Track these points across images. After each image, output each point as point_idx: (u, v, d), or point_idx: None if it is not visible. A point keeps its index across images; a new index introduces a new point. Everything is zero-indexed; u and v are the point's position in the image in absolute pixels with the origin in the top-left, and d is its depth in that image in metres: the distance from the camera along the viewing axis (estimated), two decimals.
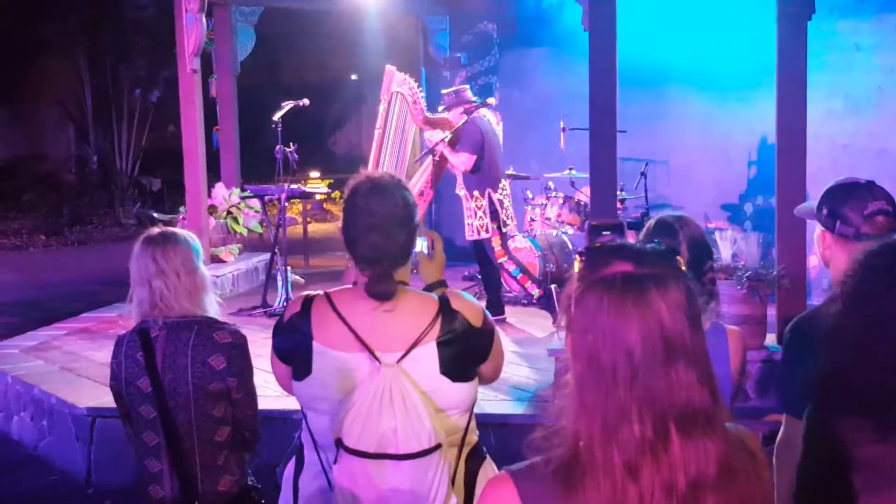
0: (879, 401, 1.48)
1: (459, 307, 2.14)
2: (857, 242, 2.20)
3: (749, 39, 7.79)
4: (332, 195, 13.74)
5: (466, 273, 8.46)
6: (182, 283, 2.72)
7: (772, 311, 5.14)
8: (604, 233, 1.83)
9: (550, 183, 8.11)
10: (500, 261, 6.86)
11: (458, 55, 10.35)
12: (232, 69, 9.36)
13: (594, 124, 5.46)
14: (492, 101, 7.41)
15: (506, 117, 7.90)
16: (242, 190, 8.91)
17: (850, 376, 1.53)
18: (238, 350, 2.73)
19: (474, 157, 6.71)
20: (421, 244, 2.33)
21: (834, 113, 7.61)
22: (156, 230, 2.83)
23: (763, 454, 1.39)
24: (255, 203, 8.72)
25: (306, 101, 7.72)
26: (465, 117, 6.77)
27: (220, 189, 9.03)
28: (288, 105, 7.68)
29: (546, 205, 7.98)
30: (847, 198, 2.26)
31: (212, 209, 8.79)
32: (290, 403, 2.66)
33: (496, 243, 6.82)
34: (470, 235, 6.90)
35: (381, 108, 7.51)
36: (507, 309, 7.10)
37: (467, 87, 7.30)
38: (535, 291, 7.07)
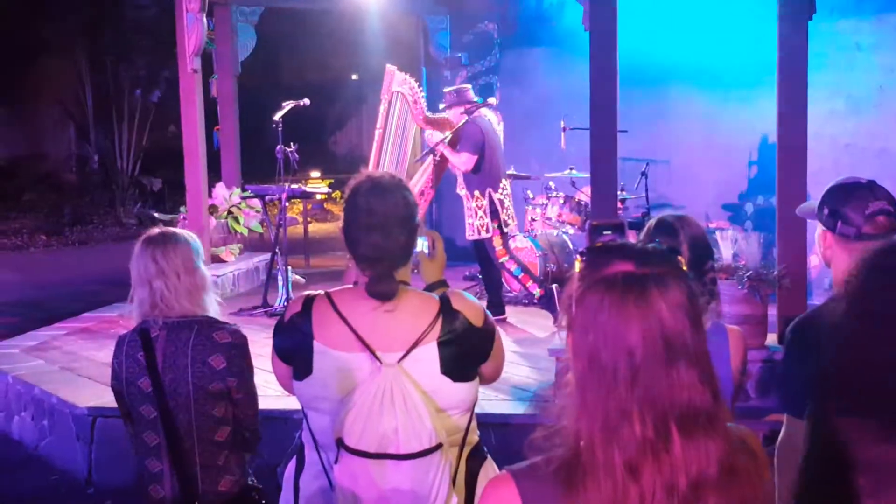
0: (883, 401, 1.48)
1: (460, 307, 2.14)
2: (859, 242, 2.19)
3: (750, 39, 7.78)
4: (333, 195, 13.76)
5: (467, 273, 8.45)
6: (182, 283, 2.72)
7: (772, 311, 5.14)
8: (605, 232, 1.83)
9: (551, 183, 8.11)
10: (501, 260, 6.86)
11: (459, 55, 10.35)
12: (232, 69, 9.36)
13: (595, 124, 5.46)
14: (492, 100, 7.41)
15: (506, 117, 7.89)
16: (243, 190, 8.92)
17: (853, 376, 1.53)
18: (238, 350, 2.73)
19: (475, 157, 6.71)
20: (422, 244, 2.33)
21: (835, 112, 7.60)
22: (156, 230, 2.83)
23: (764, 454, 1.39)
24: (256, 203, 8.72)
25: (307, 101, 7.71)
26: (466, 117, 6.77)
27: (220, 189, 9.03)
28: (288, 105, 7.68)
29: (547, 204, 7.99)
30: (848, 198, 2.26)
31: (212, 209, 8.79)
32: (291, 403, 2.66)
33: (497, 243, 6.82)
34: (471, 235, 6.90)
35: (382, 107, 7.50)
36: (508, 309, 7.10)
37: (469, 86, 7.29)
38: (537, 291, 7.06)
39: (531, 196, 8.29)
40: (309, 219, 12.73)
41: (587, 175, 6.21)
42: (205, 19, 7.97)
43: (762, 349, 4.93)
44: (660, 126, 8.80)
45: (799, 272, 5.14)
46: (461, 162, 6.77)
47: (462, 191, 6.99)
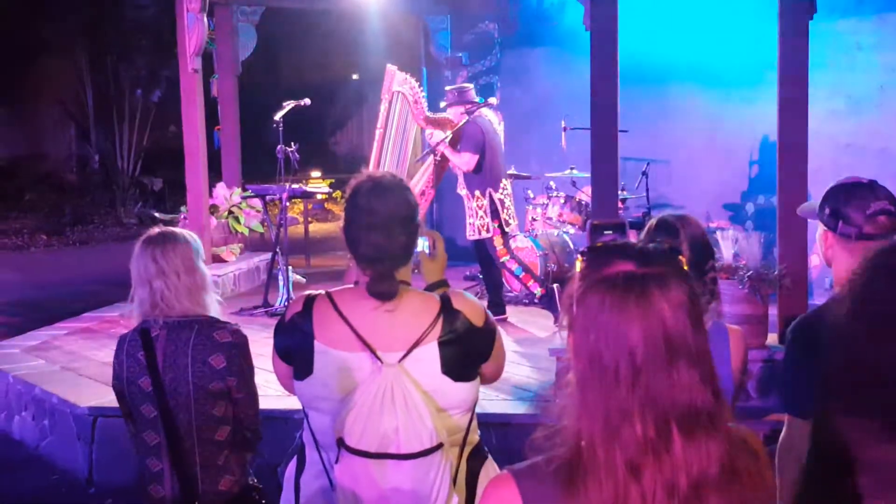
0: (886, 400, 1.48)
1: (461, 307, 2.14)
2: (860, 242, 2.19)
3: (750, 38, 7.78)
4: (334, 195, 13.78)
5: (468, 273, 8.46)
6: (182, 283, 2.72)
7: (773, 311, 5.14)
8: (606, 232, 1.83)
9: (552, 182, 8.11)
10: (502, 259, 6.86)
11: (460, 55, 10.35)
12: (233, 69, 9.35)
13: (595, 124, 5.46)
14: (493, 100, 7.42)
15: (507, 117, 7.89)
16: (244, 189, 8.91)
17: (856, 376, 1.52)
18: (238, 349, 2.73)
19: (476, 156, 6.71)
20: (422, 244, 2.33)
21: (835, 112, 7.59)
22: (155, 230, 2.83)
23: (765, 454, 1.38)
24: (257, 203, 8.72)
25: (307, 101, 7.71)
26: (467, 117, 6.78)
27: (221, 189, 9.03)
28: (289, 105, 7.68)
29: (547, 204, 7.99)
30: (849, 197, 2.25)
31: (213, 209, 8.79)
32: (292, 403, 2.66)
33: (498, 242, 6.82)
34: (471, 235, 6.90)
35: (383, 107, 7.51)
36: (509, 308, 7.10)
37: (471, 86, 7.30)
38: (538, 290, 7.07)
39: (532, 196, 8.29)
40: (310, 218, 12.74)
41: (588, 175, 6.21)
42: (205, 19, 7.97)
43: (763, 349, 4.93)
44: (660, 126, 8.79)
45: (799, 272, 5.14)
46: (462, 162, 6.77)
47: (462, 190, 6.99)
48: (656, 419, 1.25)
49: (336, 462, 2.05)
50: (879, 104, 7.59)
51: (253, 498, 2.85)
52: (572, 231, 7.92)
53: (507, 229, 6.86)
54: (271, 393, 3.96)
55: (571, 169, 8.02)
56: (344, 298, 2.16)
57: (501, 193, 6.83)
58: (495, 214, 6.77)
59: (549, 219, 7.96)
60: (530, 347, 6.05)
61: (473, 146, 6.71)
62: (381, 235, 2.12)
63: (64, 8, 17.56)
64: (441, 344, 2.10)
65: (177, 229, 2.87)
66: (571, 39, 8.18)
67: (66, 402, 5.26)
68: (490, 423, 4.28)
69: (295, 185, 7.78)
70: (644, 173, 7.98)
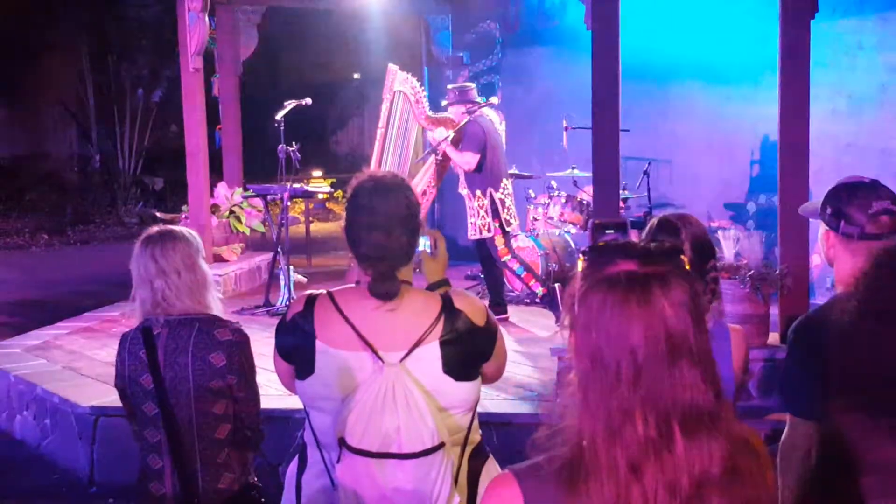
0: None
1: (462, 306, 2.14)
2: (862, 242, 2.19)
3: (752, 38, 7.77)
4: (335, 194, 13.78)
5: (469, 272, 8.45)
6: (183, 281, 2.72)
7: (774, 310, 5.14)
8: (607, 231, 1.82)
9: (553, 182, 8.10)
10: (504, 259, 6.86)
11: (461, 54, 10.35)
12: (234, 68, 9.35)
13: (597, 123, 5.45)
14: (494, 100, 7.42)
15: (508, 116, 7.89)
16: (245, 189, 8.91)
17: (864, 374, 1.52)
18: (239, 348, 2.73)
19: (477, 156, 6.71)
20: (424, 243, 2.33)
21: (837, 112, 7.59)
22: (154, 229, 2.83)
23: (767, 454, 1.38)
24: (258, 202, 8.72)
25: (309, 101, 7.71)
26: (468, 116, 6.78)
27: (222, 188, 9.03)
28: (290, 104, 7.68)
29: (549, 204, 7.98)
30: (851, 197, 2.25)
31: (214, 208, 8.79)
32: (293, 402, 2.66)
33: (499, 242, 6.82)
34: (473, 234, 6.90)
35: (384, 107, 7.51)
36: (510, 308, 7.10)
37: (473, 85, 7.30)
38: (539, 290, 7.06)
39: (533, 195, 8.28)
40: (311, 218, 12.74)
41: (589, 174, 6.20)
42: (207, 18, 7.97)
43: (764, 348, 4.93)
44: (662, 125, 8.79)
45: (801, 271, 5.14)
46: (463, 161, 6.78)
47: (464, 190, 6.99)
48: (658, 419, 1.25)
49: (337, 462, 2.05)
50: (881, 104, 7.58)
51: (252, 496, 2.85)
52: (574, 230, 7.92)
53: (507, 229, 6.86)
54: (272, 392, 3.96)
55: (573, 168, 8.01)
56: (345, 298, 2.16)
57: (502, 193, 6.83)
58: (496, 214, 6.77)
59: (551, 218, 7.96)
60: (532, 347, 6.05)
61: (475, 145, 6.71)
62: (382, 235, 2.12)
63: (65, 7, 17.57)
64: (442, 343, 2.10)
65: (176, 227, 2.86)
66: (573, 39, 8.17)
67: (67, 402, 5.26)
68: (491, 423, 4.28)
69: (296, 185, 7.79)
70: (645, 173, 7.98)
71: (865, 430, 1.50)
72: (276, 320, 2.36)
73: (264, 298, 7.49)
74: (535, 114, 9.59)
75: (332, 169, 18.84)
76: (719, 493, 1.27)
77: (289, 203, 7.61)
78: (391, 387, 2.02)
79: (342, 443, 2.02)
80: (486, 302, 6.40)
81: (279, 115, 7.61)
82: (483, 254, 7.00)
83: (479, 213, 6.81)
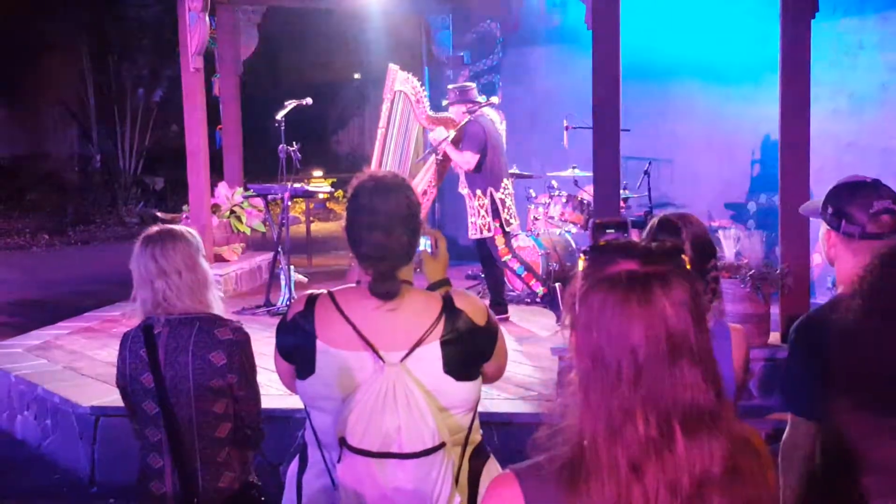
0: None
1: (463, 306, 2.14)
2: (863, 241, 2.19)
3: (753, 37, 7.77)
4: (335, 194, 13.78)
5: (470, 272, 8.45)
6: (184, 280, 2.72)
7: (775, 310, 5.14)
8: (608, 231, 1.82)
9: (554, 182, 8.10)
10: (504, 259, 6.86)
11: (461, 54, 10.35)
12: (235, 68, 9.35)
13: (597, 123, 5.45)
14: (495, 99, 7.42)
15: (509, 116, 7.89)
16: (245, 189, 8.92)
17: (869, 373, 1.52)
18: (239, 347, 2.73)
19: (478, 156, 6.71)
20: (424, 243, 2.33)
21: (838, 111, 7.58)
22: (154, 228, 2.82)
23: (768, 453, 1.38)
24: (258, 202, 8.72)
25: (309, 101, 7.71)
26: (469, 116, 6.78)
27: (223, 188, 9.03)
28: (291, 104, 7.68)
29: (549, 203, 7.98)
30: (852, 197, 2.25)
31: (215, 208, 8.79)
32: (294, 402, 2.66)
33: (500, 242, 6.82)
34: (473, 234, 6.90)
35: (384, 107, 7.51)
36: (511, 308, 7.10)
37: (473, 85, 7.30)
38: (540, 289, 7.06)
39: (534, 195, 8.28)
40: (311, 218, 12.73)
41: (590, 174, 6.20)
42: (207, 18, 7.97)
43: (765, 348, 4.92)
44: (662, 125, 8.78)
45: (801, 271, 5.14)
46: (464, 161, 6.78)
47: (464, 190, 6.99)
48: (659, 418, 1.25)
49: (338, 461, 2.05)
50: (882, 103, 7.58)
51: (252, 495, 2.85)
52: (574, 230, 7.91)
53: (507, 229, 6.86)
54: (273, 392, 3.96)
55: (573, 168, 8.01)
56: (346, 298, 2.16)
57: (503, 193, 6.83)
58: (496, 214, 6.77)
59: (551, 218, 7.96)
60: (532, 346, 6.05)
61: (475, 145, 6.71)
62: (382, 235, 2.12)
63: (65, 7, 17.57)
64: (443, 343, 2.10)
65: (176, 226, 2.86)
66: (573, 38, 8.17)
67: (68, 402, 5.26)
68: (492, 423, 4.28)
69: (297, 185, 7.79)
70: (646, 172, 7.97)
71: (868, 429, 1.50)
72: (276, 320, 2.36)
73: (265, 298, 7.49)
74: (535, 113, 9.58)
75: (333, 169, 18.84)
76: (720, 492, 1.27)
77: (289, 203, 7.61)
78: (392, 386, 2.02)
79: (343, 442, 2.02)
80: (487, 302, 6.40)
81: (280, 115, 7.61)
82: (483, 253, 6.99)
83: (479, 212, 6.81)
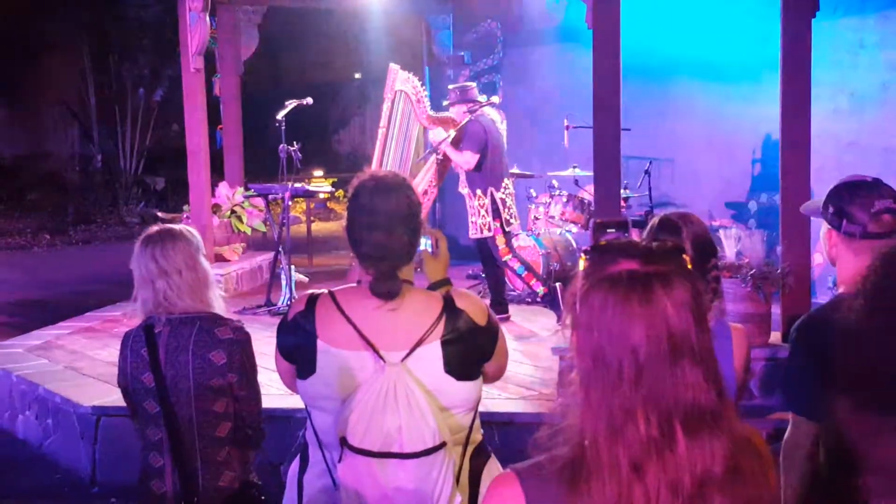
0: None
1: (464, 306, 2.14)
2: (864, 241, 2.19)
3: (753, 36, 7.77)
4: (336, 194, 13.77)
5: (470, 272, 8.45)
6: (185, 280, 2.72)
7: (776, 309, 5.13)
8: (609, 231, 1.82)
9: (554, 181, 8.10)
10: (504, 258, 6.86)
11: (462, 53, 10.35)
12: (235, 68, 9.35)
13: (598, 122, 5.45)
14: (495, 99, 7.41)
15: (509, 115, 7.89)
16: (246, 189, 8.92)
17: (872, 372, 1.52)
18: (240, 346, 2.73)
19: (478, 155, 6.71)
20: (425, 243, 2.33)
21: (838, 110, 7.58)
22: (154, 228, 2.82)
23: (769, 453, 1.38)
24: (259, 202, 8.72)
25: (310, 100, 7.71)
26: (469, 116, 6.77)
27: (223, 188, 9.03)
28: (291, 104, 7.68)
29: (550, 203, 7.98)
30: (854, 196, 2.25)
31: (215, 208, 8.79)
32: (294, 402, 2.66)
33: (500, 241, 6.82)
34: (474, 234, 6.90)
35: (385, 106, 7.51)
36: (511, 307, 7.09)
37: (473, 84, 7.29)
38: (540, 289, 7.06)
39: (534, 194, 8.28)
40: (312, 218, 12.74)
41: (590, 173, 6.20)
42: (208, 18, 7.97)
43: (766, 347, 4.92)
44: (663, 124, 8.78)
45: (802, 270, 5.14)
46: (464, 161, 6.77)
47: (464, 189, 6.99)
48: (660, 418, 1.25)
49: (339, 461, 2.05)
50: (883, 102, 7.58)
51: (252, 494, 2.84)
52: (575, 230, 7.91)
53: (507, 228, 6.86)
54: (274, 392, 3.96)
55: (574, 167, 8.01)
56: (347, 297, 2.16)
57: (503, 193, 6.83)
58: (497, 213, 6.77)
59: (552, 217, 7.96)
60: (533, 346, 6.05)
61: (475, 145, 6.70)
62: (383, 234, 2.12)
63: (65, 7, 17.58)
64: (444, 343, 2.10)
65: (176, 226, 2.85)
66: (574, 38, 8.17)
67: (69, 402, 5.26)
68: (493, 422, 4.28)
69: (297, 185, 7.79)
70: (647, 172, 7.97)
71: (871, 429, 1.49)
72: (277, 320, 2.36)
73: (266, 298, 7.49)
74: (536, 113, 9.58)
75: (334, 168, 18.84)
76: (721, 492, 1.27)
77: (290, 202, 7.61)
78: (392, 386, 2.02)
79: (343, 442, 2.02)
80: (488, 301, 6.40)
81: (280, 115, 7.62)
82: (484, 253, 6.99)
83: (479, 212, 6.81)
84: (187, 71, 8.04)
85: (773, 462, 1.40)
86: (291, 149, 7.63)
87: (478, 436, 2.23)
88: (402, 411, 2.00)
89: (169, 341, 2.71)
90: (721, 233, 5.07)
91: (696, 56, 8.44)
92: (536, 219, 8.18)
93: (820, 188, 2.51)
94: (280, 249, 7.44)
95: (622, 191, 6.32)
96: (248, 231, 9.04)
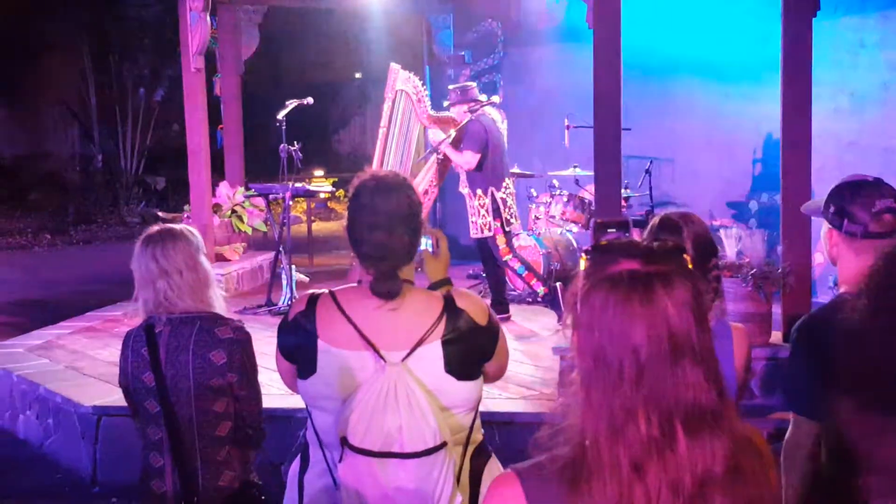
0: None
1: (464, 305, 2.14)
2: (865, 240, 2.19)
3: (754, 36, 7.77)
4: (337, 194, 13.77)
5: (471, 271, 8.45)
6: (185, 280, 2.73)
7: (777, 309, 5.13)
8: (609, 230, 1.82)
9: (555, 181, 8.10)
10: (505, 258, 6.86)
11: (462, 53, 10.34)
12: (236, 68, 9.35)
13: (599, 122, 5.45)
14: (496, 99, 7.41)
15: (510, 115, 7.88)
16: (247, 188, 8.92)
17: (875, 372, 1.51)
18: (240, 346, 2.73)
19: (478, 155, 6.71)
20: (425, 242, 2.33)
21: (839, 110, 7.58)
22: (155, 228, 2.82)
23: (770, 453, 1.38)
24: (260, 202, 8.72)
25: (310, 100, 7.71)
26: (470, 115, 6.77)
27: (224, 187, 9.03)
28: (292, 104, 7.68)
29: (550, 203, 7.98)
30: (855, 196, 2.25)
31: (216, 208, 8.79)
32: (295, 402, 2.66)
33: (500, 241, 6.82)
34: (475, 233, 6.90)
35: (386, 106, 7.51)
36: (512, 307, 7.09)
37: (474, 84, 7.29)
38: (541, 289, 7.06)
39: (535, 194, 8.28)
40: (313, 217, 12.73)
41: (591, 173, 6.19)
42: (208, 18, 7.97)
43: (766, 347, 4.92)
44: (664, 123, 8.78)
45: (803, 270, 5.13)
46: (464, 161, 6.77)
47: (464, 189, 6.99)
48: (660, 418, 1.25)
49: (339, 461, 2.05)
50: (883, 102, 7.58)
51: (252, 494, 2.84)
52: (575, 229, 7.91)
53: (508, 228, 6.86)
54: (275, 391, 3.96)
55: (575, 167, 8.01)
56: (347, 297, 2.16)
57: (504, 192, 6.83)
58: (497, 213, 6.76)
59: (553, 217, 7.96)
60: (534, 346, 6.06)
61: (476, 144, 6.70)
62: (384, 234, 2.12)
63: (65, 7, 17.57)
64: (444, 343, 2.10)
65: (176, 225, 2.85)
66: (574, 37, 8.16)
67: (70, 402, 5.26)
68: (493, 422, 4.28)
69: (298, 184, 7.79)
70: (647, 171, 7.97)
71: (873, 429, 1.49)
72: (278, 319, 2.36)
73: (266, 298, 7.49)
74: (536, 112, 9.58)
75: (334, 168, 18.83)
76: (722, 492, 1.27)
77: (290, 202, 7.61)
78: (393, 386, 2.02)
79: (344, 442, 2.02)
80: (488, 301, 6.40)
81: (281, 115, 7.62)
82: (485, 253, 6.99)
83: (479, 212, 6.81)
84: (188, 71, 8.04)
85: (774, 462, 1.40)
86: (292, 148, 7.63)
87: (478, 436, 2.23)
88: (403, 411, 2.00)
89: (169, 341, 2.71)
90: (722, 232, 5.07)
91: (696, 55, 8.43)
92: (537, 218, 8.17)
93: (821, 188, 2.51)
94: (281, 249, 7.44)
95: (623, 190, 6.32)
96: (249, 231, 9.04)
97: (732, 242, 5.00)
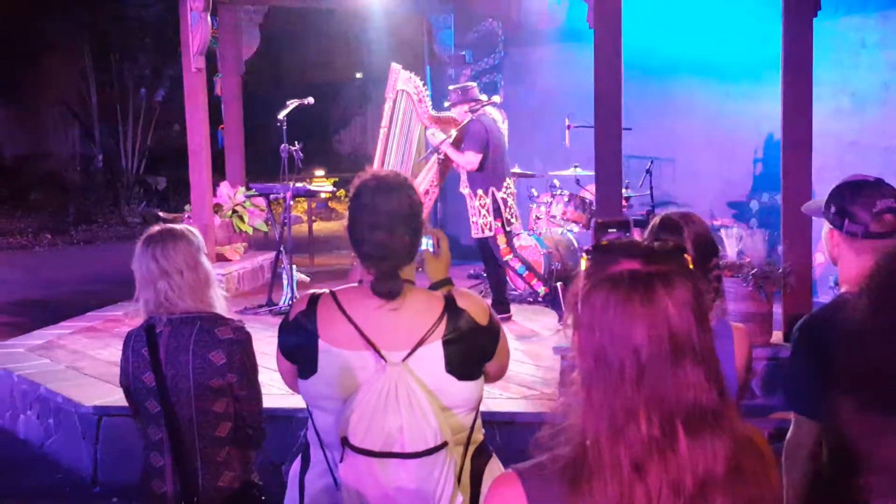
0: None
1: (465, 305, 2.14)
2: (866, 240, 2.19)
3: (754, 36, 7.77)
4: (337, 194, 13.77)
5: (472, 271, 8.45)
6: (186, 281, 2.73)
7: (778, 309, 5.13)
8: (610, 230, 1.82)
9: (556, 181, 8.10)
10: (505, 258, 6.86)
11: (463, 53, 10.34)
12: (237, 68, 9.35)
13: (599, 121, 5.45)
14: (496, 98, 7.41)
15: (510, 115, 7.88)
16: (248, 188, 8.92)
17: (876, 372, 1.51)
18: (240, 346, 2.73)
19: (480, 155, 6.71)
20: (426, 242, 2.33)
21: (840, 110, 7.58)
22: (155, 228, 2.82)
23: (771, 453, 1.38)
24: (261, 202, 8.73)
25: (311, 100, 7.71)
26: (471, 115, 6.77)
27: (225, 187, 9.03)
28: (293, 104, 7.69)
29: (551, 203, 7.98)
30: (856, 196, 2.25)
31: (217, 208, 8.79)
32: (296, 402, 2.66)
33: (501, 241, 6.82)
34: (476, 234, 6.90)
35: (387, 106, 7.51)
36: (513, 307, 7.09)
37: (474, 84, 7.30)
38: (542, 289, 7.06)
39: (536, 194, 8.28)
40: (313, 217, 12.74)
41: (592, 173, 6.19)
42: (209, 18, 7.97)
43: (767, 347, 4.92)
44: (664, 123, 8.78)
45: (804, 270, 5.14)
46: (465, 161, 6.77)
47: (465, 189, 6.99)
48: (661, 418, 1.25)
49: (340, 461, 2.05)
50: (884, 102, 7.58)
51: (253, 494, 2.85)
52: (576, 229, 7.91)
53: (508, 228, 6.86)
54: (275, 391, 3.96)
55: (575, 167, 8.01)
56: (348, 297, 2.16)
57: (504, 192, 6.83)
58: (497, 213, 6.76)
59: (553, 217, 7.96)
60: (534, 346, 6.05)
61: (477, 144, 6.70)
62: (384, 234, 2.12)
63: (65, 7, 17.57)
64: (445, 343, 2.10)
65: (177, 225, 2.85)
66: (575, 37, 8.16)
67: (70, 402, 5.26)
68: (494, 422, 4.28)
69: (299, 184, 7.79)
70: (648, 171, 7.97)
71: (874, 429, 1.49)
72: (278, 319, 2.36)
73: (267, 298, 7.50)
74: (537, 112, 9.58)
75: (335, 168, 18.82)
76: (723, 492, 1.26)
77: (291, 202, 7.61)
78: (394, 386, 2.02)
79: (345, 442, 2.02)
80: (489, 301, 6.40)
81: (282, 115, 7.62)
82: (485, 253, 6.99)
83: (479, 211, 6.81)
84: (188, 70, 8.04)
85: (775, 462, 1.40)
86: (293, 148, 7.63)
87: (479, 435, 2.23)
88: (404, 411, 2.00)
89: (169, 341, 2.71)
90: (722, 232, 5.07)
91: (697, 55, 8.43)
92: (538, 218, 8.17)
93: (821, 188, 2.51)
94: (281, 249, 7.44)
95: (623, 190, 6.32)
96: (250, 231, 9.04)
97: (733, 242, 5.00)
